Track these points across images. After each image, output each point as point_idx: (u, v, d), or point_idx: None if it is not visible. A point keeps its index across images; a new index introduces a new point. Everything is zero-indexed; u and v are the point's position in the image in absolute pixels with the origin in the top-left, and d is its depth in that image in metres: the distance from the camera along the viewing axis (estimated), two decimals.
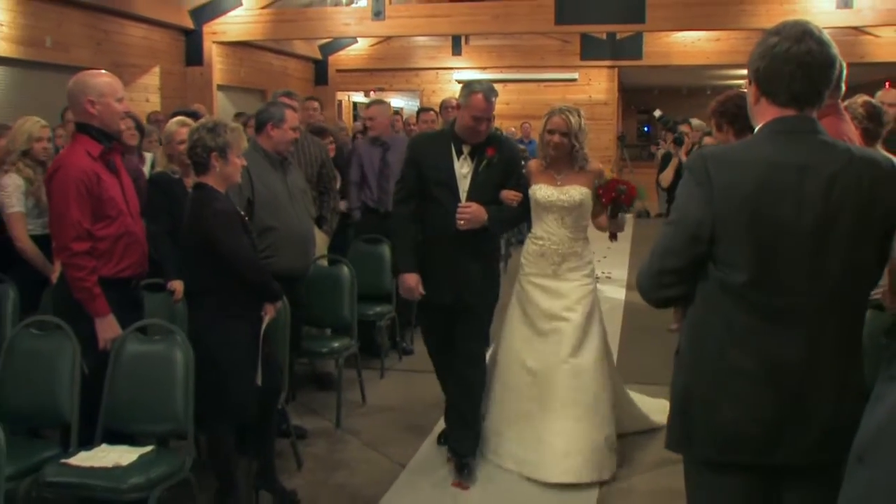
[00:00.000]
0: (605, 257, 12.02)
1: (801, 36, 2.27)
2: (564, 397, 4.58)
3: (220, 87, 12.92)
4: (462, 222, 4.44)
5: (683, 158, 7.92)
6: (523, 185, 4.69)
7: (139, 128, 6.26)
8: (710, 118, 4.25)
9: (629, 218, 6.33)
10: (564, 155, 4.62)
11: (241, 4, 12.12)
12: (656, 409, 5.17)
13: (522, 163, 4.93)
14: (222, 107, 12.71)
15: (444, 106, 9.59)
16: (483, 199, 4.49)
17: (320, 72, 16.69)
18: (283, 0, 12.36)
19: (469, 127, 4.50)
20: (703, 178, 2.31)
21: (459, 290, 4.55)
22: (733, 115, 3.91)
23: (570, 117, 4.57)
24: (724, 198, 2.28)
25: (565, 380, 4.61)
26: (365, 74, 17.85)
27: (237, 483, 4.13)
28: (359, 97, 17.90)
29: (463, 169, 4.55)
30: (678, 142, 9.07)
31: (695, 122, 9.88)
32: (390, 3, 11.51)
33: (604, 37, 14.34)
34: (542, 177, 4.72)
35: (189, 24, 12.00)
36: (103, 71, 4.33)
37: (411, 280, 4.60)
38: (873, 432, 1.64)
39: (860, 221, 2.30)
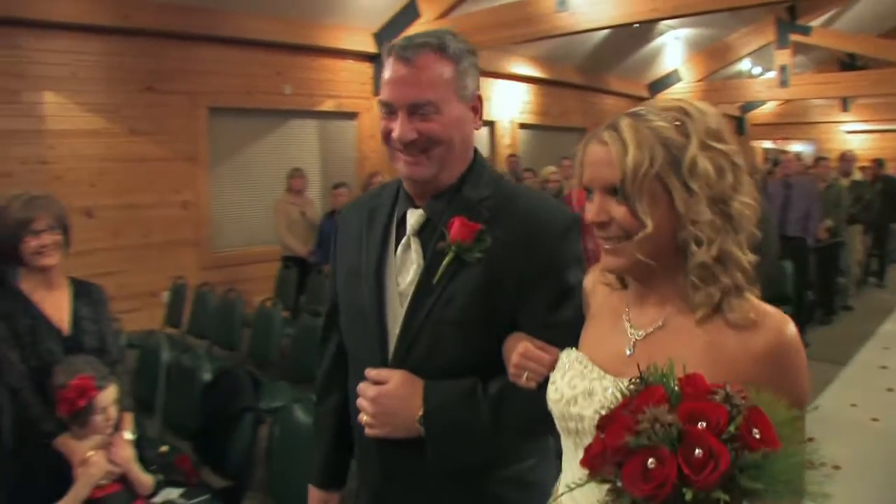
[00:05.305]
0: None
1: None
2: None
3: None
4: (364, 419, 1.23)
5: None
6: (570, 324, 1.12)
7: None
8: None
9: None
10: (649, 261, 0.96)
11: (680, 79, 12.47)
12: None
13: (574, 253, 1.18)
14: None
15: (845, 158, 8.02)
16: (444, 352, 1.17)
17: (740, 125, 16.03)
18: (714, 75, 12.59)
19: (385, 137, 1.21)
20: None
21: None
22: None
23: (631, 135, 0.98)
24: None
25: None
26: (772, 128, 16.75)
27: None
28: (767, 144, 17.15)
29: (406, 269, 1.22)
30: None
31: None
32: (793, 74, 11.12)
33: None
34: (599, 317, 1.09)
35: (647, 94, 12.58)
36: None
37: (313, 501, 1.50)
38: None
39: None
